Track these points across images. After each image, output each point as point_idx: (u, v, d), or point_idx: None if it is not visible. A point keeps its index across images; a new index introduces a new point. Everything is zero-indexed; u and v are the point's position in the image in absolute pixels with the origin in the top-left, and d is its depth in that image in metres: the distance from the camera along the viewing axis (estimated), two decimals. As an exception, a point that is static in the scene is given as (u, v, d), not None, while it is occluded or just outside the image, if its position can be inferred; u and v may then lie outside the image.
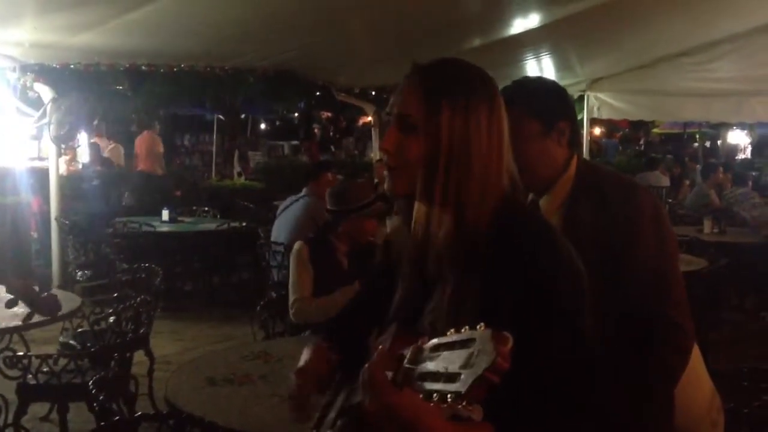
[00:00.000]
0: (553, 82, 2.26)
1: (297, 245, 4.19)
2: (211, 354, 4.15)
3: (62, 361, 3.91)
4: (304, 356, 1.73)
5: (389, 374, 1.14)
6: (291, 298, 4.05)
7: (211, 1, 5.83)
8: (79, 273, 7.48)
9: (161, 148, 13.48)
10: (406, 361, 1.12)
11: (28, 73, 7.60)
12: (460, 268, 1.36)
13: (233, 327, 6.94)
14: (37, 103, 8.04)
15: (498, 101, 1.44)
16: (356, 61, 8.89)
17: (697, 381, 2.22)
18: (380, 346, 1.25)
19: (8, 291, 3.56)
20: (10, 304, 3.49)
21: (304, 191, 6.61)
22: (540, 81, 2.24)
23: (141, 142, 13.38)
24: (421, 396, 1.05)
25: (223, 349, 4.61)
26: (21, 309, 3.66)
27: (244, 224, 8.57)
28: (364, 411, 1.17)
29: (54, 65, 7.62)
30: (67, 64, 7.67)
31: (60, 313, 3.89)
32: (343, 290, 3.83)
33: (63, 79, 7.88)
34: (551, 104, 2.12)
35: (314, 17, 6.36)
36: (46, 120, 7.81)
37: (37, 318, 3.65)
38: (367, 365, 1.19)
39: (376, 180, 10.02)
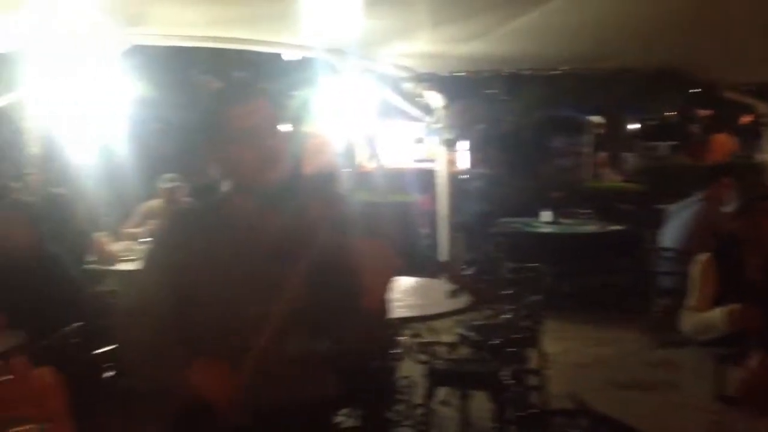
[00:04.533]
0: None
1: (702, 257, 3.88)
2: (611, 357, 4.13)
3: (464, 350, 4.17)
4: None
5: None
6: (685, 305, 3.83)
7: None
8: (465, 269, 7.89)
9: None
10: None
11: (421, 82, 8.21)
12: None
13: (613, 330, 6.87)
14: (421, 108, 8.66)
15: None
16: (747, 55, 8.21)
17: None
18: None
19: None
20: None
21: (696, 196, 6.28)
22: None
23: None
24: None
25: (622, 354, 4.55)
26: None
27: (623, 227, 8.42)
28: None
29: (443, 74, 8.14)
30: (453, 72, 8.14)
31: (459, 308, 4.15)
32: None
33: (450, 87, 8.39)
34: None
35: (705, 11, 5.99)
36: (437, 125, 8.39)
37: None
38: None
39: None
